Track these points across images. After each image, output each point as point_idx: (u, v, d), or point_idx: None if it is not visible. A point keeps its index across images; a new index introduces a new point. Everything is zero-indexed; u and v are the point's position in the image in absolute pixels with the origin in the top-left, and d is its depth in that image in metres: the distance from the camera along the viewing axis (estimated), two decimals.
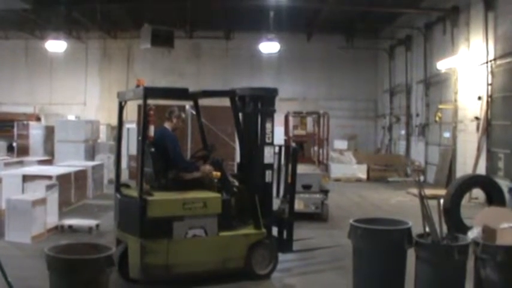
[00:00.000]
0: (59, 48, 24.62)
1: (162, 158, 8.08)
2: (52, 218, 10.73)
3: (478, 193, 14.10)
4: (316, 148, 19.44)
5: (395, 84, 26.94)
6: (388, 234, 6.54)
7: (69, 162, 16.35)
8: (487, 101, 15.89)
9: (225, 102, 8.20)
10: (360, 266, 6.62)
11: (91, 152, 20.76)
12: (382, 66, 29.12)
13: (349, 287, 6.81)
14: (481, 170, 15.81)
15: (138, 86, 7.81)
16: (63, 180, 12.94)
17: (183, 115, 8.75)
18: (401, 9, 22.17)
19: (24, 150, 22.61)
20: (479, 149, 16.15)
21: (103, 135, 24.35)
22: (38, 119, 27.14)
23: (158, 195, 7.46)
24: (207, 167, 8.26)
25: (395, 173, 22.62)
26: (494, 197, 11.10)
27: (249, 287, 7.69)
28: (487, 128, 15.92)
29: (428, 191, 8.41)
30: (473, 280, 6.11)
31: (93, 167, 16.00)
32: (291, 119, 20.38)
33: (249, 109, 8.40)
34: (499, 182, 11.86)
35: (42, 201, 10.34)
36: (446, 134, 19.77)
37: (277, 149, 9.09)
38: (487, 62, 15.92)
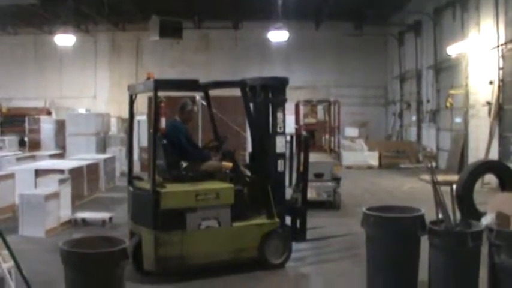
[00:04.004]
0: (67, 42, 24.67)
1: (174, 150, 8.10)
2: (65, 212, 10.79)
3: (490, 178, 14.01)
4: (327, 136, 19.40)
5: (405, 70, 26.84)
6: (401, 222, 6.51)
7: (80, 156, 16.40)
8: (499, 85, 15.78)
9: (236, 92, 8.20)
10: (374, 254, 6.61)
11: (102, 145, 20.81)
12: (392, 53, 29.00)
13: (363, 275, 6.80)
14: (494, 155, 15.72)
15: (148, 78, 7.81)
16: (75, 173, 12.99)
17: (195, 108, 8.76)
18: None
19: (35, 145, 22.71)
20: (491, 134, 16.06)
21: (114, 128, 24.37)
22: (49, 113, 27.22)
23: (171, 187, 7.47)
24: (215, 163, 8.29)
25: (407, 160, 22.57)
26: (507, 182, 11.03)
27: (263, 277, 7.70)
28: (499, 112, 15.81)
29: (440, 177, 8.39)
30: (487, 266, 6.08)
31: (105, 160, 16.05)
32: (301, 107, 20.34)
33: (259, 99, 8.38)
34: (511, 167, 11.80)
35: (55, 195, 10.40)
36: (458, 120, 19.67)
37: (288, 138, 9.07)
38: (498, 46, 15.80)
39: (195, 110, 8.83)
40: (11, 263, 5.78)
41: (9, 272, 5.87)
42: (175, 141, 8.16)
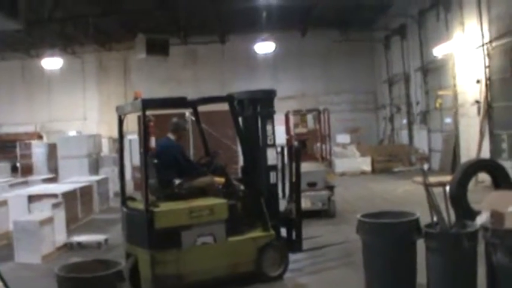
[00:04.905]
0: (55, 65, 24.75)
1: (167, 168, 8.09)
2: (60, 236, 10.74)
3: (484, 176, 14.02)
4: (318, 145, 19.37)
5: (393, 74, 26.93)
6: (396, 227, 6.52)
7: (73, 179, 16.34)
8: (486, 84, 15.86)
9: (224, 106, 8.22)
10: (371, 260, 6.61)
11: (95, 166, 20.74)
12: (379, 57, 29.11)
13: (361, 282, 6.80)
14: (485, 153, 15.78)
15: (136, 98, 7.81)
16: (68, 197, 12.93)
17: (187, 126, 8.76)
18: None
19: (28, 170, 22.64)
20: (481, 133, 16.12)
21: (105, 149, 24.35)
22: (40, 137, 27.20)
23: (164, 206, 7.46)
24: (207, 179, 8.29)
25: (400, 163, 22.56)
26: (500, 179, 11.03)
27: None
28: (488, 110, 15.88)
29: (433, 178, 8.40)
30: (484, 266, 6.09)
31: (98, 182, 16.01)
32: (291, 117, 20.31)
33: (248, 112, 8.40)
34: (503, 164, 11.81)
35: (50, 220, 10.34)
36: (448, 120, 19.74)
37: (279, 149, 9.07)
38: (483, 45, 15.89)
39: (187, 128, 8.82)
40: None
41: None
42: (171, 159, 8.17)
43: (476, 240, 6.13)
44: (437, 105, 19.93)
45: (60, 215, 11.00)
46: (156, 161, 8.06)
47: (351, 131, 27.04)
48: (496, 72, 15.49)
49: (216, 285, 7.54)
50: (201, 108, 9.08)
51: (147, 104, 7.66)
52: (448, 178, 12.63)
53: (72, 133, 26.59)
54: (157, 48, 22.56)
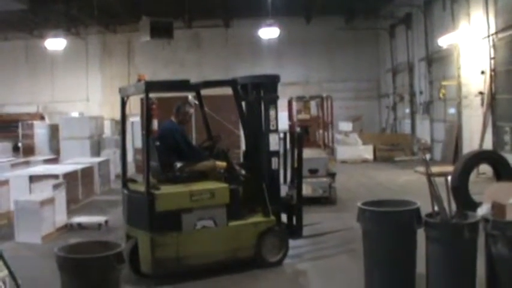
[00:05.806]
0: (58, 46, 24.62)
1: (169, 151, 8.08)
2: (61, 217, 10.75)
3: (485, 168, 14.00)
4: (321, 131, 19.36)
5: (397, 63, 26.84)
6: (396, 216, 6.49)
7: (75, 160, 16.36)
8: (491, 75, 15.78)
9: (228, 90, 8.18)
10: (370, 248, 6.59)
11: (97, 147, 20.76)
12: (383, 46, 29.01)
13: (361, 270, 6.79)
14: (488, 145, 15.74)
15: (139, 80, 7.78)
16: (70, 178, 12.92)
17: (191, 110, 8.73)
18: None
19: (29, 150, 22.65)
20: (484, 124, 16.07)
21: (108, 130, 24.34)
22: (42, 118, 27.19)
23: (165, 189, 7.45)
24: (209, 163, 8.26)
25: (402, 152, 22.54)
26: (502, 171, 11.02)
27: (260, 275, 7.69)
28: (492, 102, 15.82)
29: (435, 169, 8.38)
30: (484, 257, 6.08)
31: (100, 163, 16.00)
32: (294, 103, 20.30)
33: (251, 97, 8.36)
34: (506, 156, 11.79)
35: (50, 201, 10.36)
36: (451, 110, 19.68)
37: (282, 134, 9.06)
38: (488, 36, 15.80)
39: (191, 112, 8.78)
40: (5, 272, 5.74)
41: (4, 282, 5.83)
42: (172, 142, 8.16)
43: (477, 231, 6.10)
44: (441, 95, 19.88)
45: (61, 196, 11.01)
46: (158, 143, 8.04)
47: (354, 119, 26.99)
48: (501, 63, 15.42)
49: (216, 269, 7.56)
50: (205, 92, 9.06)
51: (151, 86, 7.64)
52: (450, 168, 12.64)
53: (75, 114, 26.58)
54: (162, 31, 22.48)
